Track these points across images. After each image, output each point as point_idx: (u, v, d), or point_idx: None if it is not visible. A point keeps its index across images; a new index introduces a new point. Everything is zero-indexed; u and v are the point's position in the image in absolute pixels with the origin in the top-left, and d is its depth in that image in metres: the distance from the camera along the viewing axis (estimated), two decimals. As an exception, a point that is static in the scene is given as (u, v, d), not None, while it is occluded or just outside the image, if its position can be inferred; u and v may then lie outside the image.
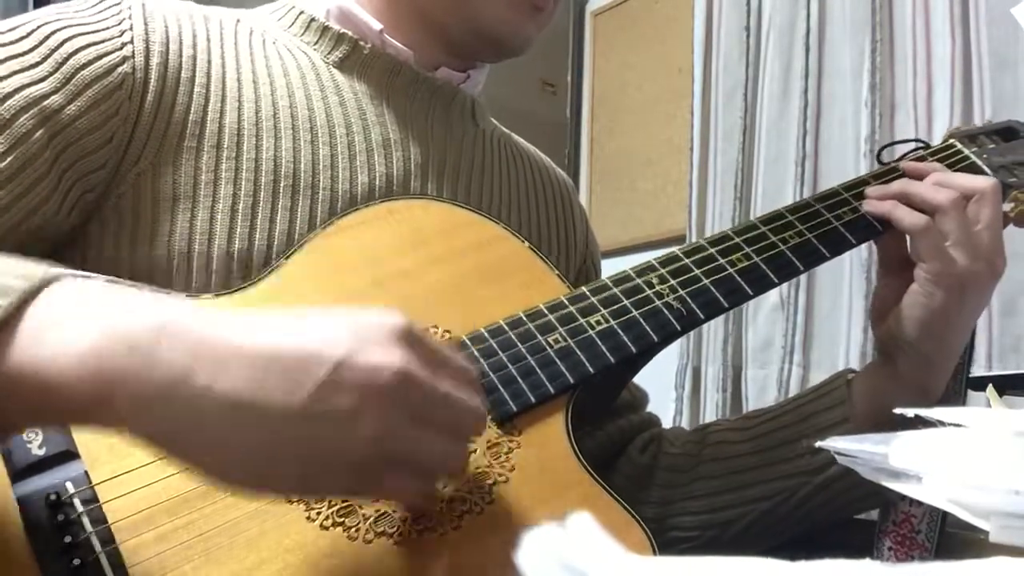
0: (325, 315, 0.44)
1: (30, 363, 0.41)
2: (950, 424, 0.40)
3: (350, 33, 0.74)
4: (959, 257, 0.67)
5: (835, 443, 0.44)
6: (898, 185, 0.72)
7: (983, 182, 0.70)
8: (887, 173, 0.76)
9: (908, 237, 0.70)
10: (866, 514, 0.80)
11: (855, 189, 0.75)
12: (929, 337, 0.69)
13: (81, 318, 0.42)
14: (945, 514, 0.71)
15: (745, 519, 0.75)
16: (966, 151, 0.79)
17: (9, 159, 0.58)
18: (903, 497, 0.72)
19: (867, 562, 0.26)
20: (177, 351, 0.41)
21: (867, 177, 0.76)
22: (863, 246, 1.69)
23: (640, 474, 0.80)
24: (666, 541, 0.76)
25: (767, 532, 0.75)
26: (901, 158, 0.80)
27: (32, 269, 0.45)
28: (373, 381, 0.42)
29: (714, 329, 1.95)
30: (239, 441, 0.41)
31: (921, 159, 0.78)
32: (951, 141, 0.81)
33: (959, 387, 0.75)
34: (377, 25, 0.74)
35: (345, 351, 0.42)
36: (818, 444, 0.45)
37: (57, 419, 0.46)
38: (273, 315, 0.45)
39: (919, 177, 0.73)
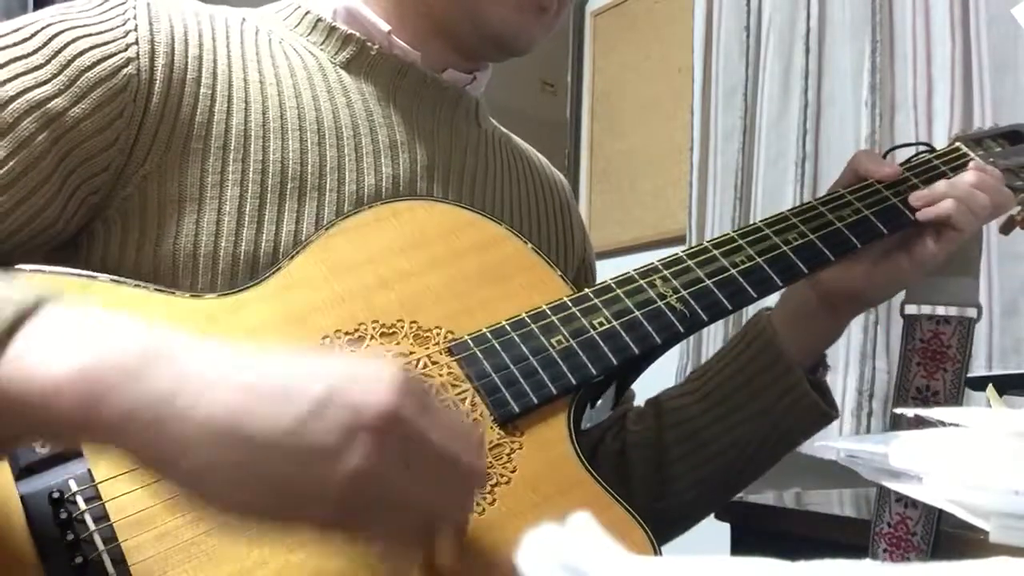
0: (321, 355, 0.44)
1: (19, 383, 0.42)
2: (950, 424, 0.40)
3: (357, 34, 0.74)
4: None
5: (835, 443, 0.44)
6: (960, 190, 0.74)
7: (1008, 200, 0.75)
8: (901, 182, 0.77)
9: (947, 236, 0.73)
10: (865, 513, 0.80)
11: (858, 191, 0.75)
12: (884, 297, 0.78)
13: (71, 341, 0.43)
14: (941, 516, 0.72)
15: (731, 464, 0.79)
16: (971, 155, 0.79)
17: (12, 162, 0.58)
18: (898, 499, 0.73)
19: (867, 562, 0.26)
20: (164, 374, 0.41)
21: (872, 180, 0.76)
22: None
23: (616, 461, 0.82)
24: (672, 507, 0.80)
25: (757, 466, 0.80)
26: (906, 162, 0.80)
27: (24, 292, 0.45)
28: (359, 418, 0.41)
29: (714, 329, 1.95)
30: (220, 464, 0.40)
31: (926, 162, 0.79)
32: (957, 144, 0.81)
33: (958, 385, 0.75)
34: (385, 26, 0.74)
35: (334, 384, 0.41)
36: (818, 444, 0.45)
37: (46, 436, 0.47)
38: (265, 350, 0.44)
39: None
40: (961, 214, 0.72)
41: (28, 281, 0.46)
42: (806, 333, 0.78)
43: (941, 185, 0.74)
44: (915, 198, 0.74)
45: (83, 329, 0.44)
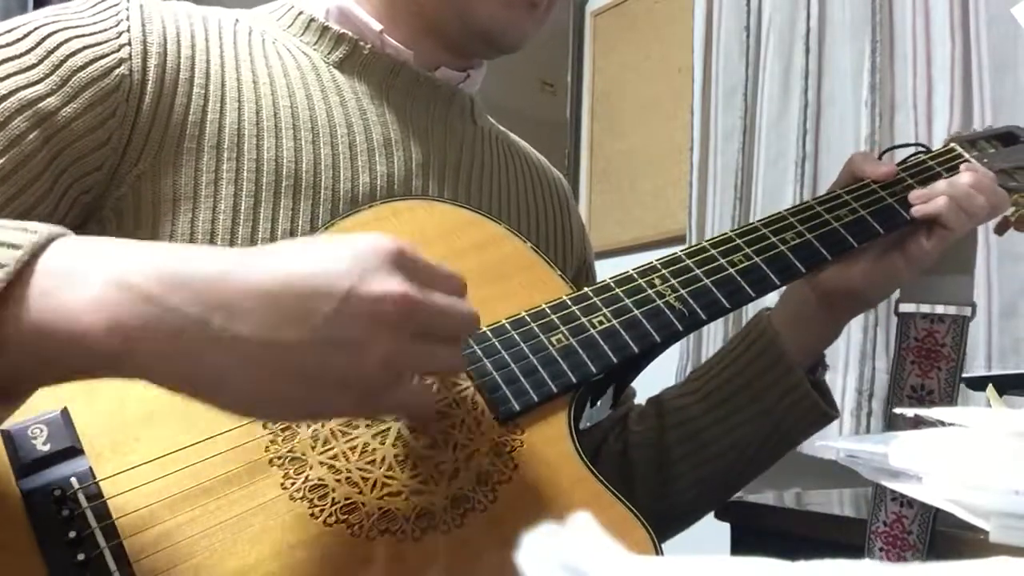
0: (326, 245, 0.46)
1: (49, 319, 0.42)
2: (950, 424, 0.40)
3: (350, 33, 0.74)
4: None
5: (835, 443, 0.44)
6: (959, 189, 0.74)
7: (1003, 201, 0.76)
8: (896, 182, 0.77)
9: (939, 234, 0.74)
10: (865, 513, 0.81)
11: (855, 191, 0.75)
12: (882, 296, 0.79)
13: (92, 271, 0.43)
14: (937, 515, 0.72)
15: (732, 464, 0.79)
16: (966, 155, 0.80)
17: (2, 160, 0.58)
18: (894, 498, 0.73)
19: (867, 562, 0.26)
20: (189, 300, 0.42)
21: (868, 180, 0.76)
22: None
23: (619, 461, 0.82)
24: (675, 504, 0.80)
25: (756, 466, 0.81)
26: (903, 162, 0.80)
27: (36, 225, 0.45)
28: (378, 310, 0.44)
29: (714, 329, 1.95)
30: (257, 377, 0.43)
31: (922, 163, 0.79)
32: (952, 145, 0.82)
33: (953, 384, 0.76)
34: (377, 25, 0.74)
35: (349, 284, 0.44)
36: (819, 444, 0.45)
37: (77, 374, 0.46)
38: (274, 249, 0.46)
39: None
40: (952, 212, 0.72)
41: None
42: (806, 333, 0.78)
43: (940, 185, 0.74)
44: (914, 196, 0.74)
45: (99, 256, 0.44)
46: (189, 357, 0.42)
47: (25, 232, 0.44)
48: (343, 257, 0.45)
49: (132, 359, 0.42)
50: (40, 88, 0.60)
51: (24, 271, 0.43)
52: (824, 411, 0.77)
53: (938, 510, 0.70)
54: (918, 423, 0.64)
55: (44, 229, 0.45)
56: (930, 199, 0.73)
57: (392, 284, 0.45)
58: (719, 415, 0.79)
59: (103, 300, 0.41)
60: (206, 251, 0.45)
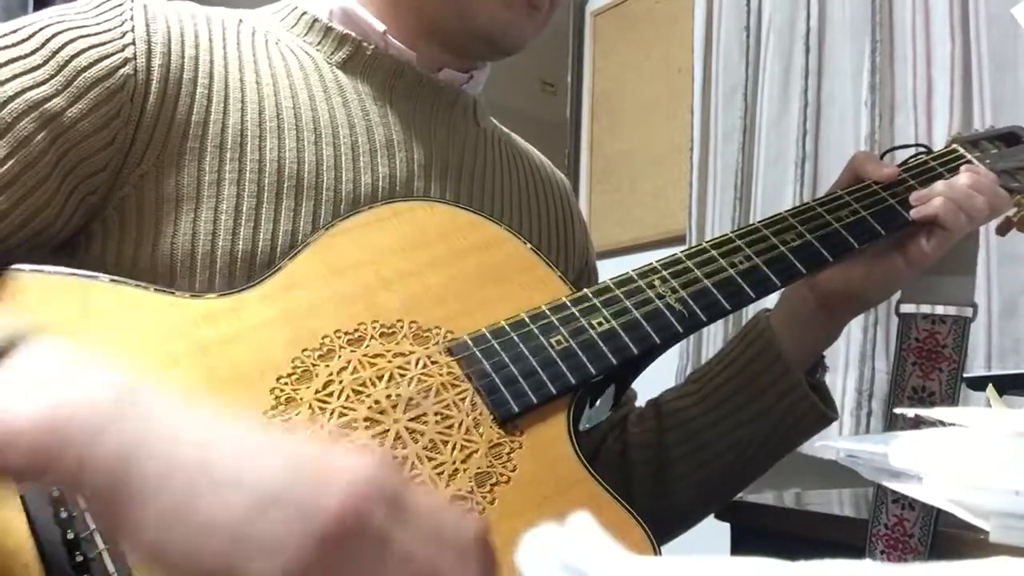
0: (287, 436, 0.41)
1: None
2: (950, 424, 0.40)
3: (353, 34, 0.74)
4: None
5: (835, 443, 0.44)
6: (957, 190, 0.74)
7: (1004, 202, 0.76)
8: (898, 182, 0.77)
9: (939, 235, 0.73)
10: (865, 513, 0.80)
11: (856, 192, 0.75)
12: (882, 297, 0.78)
13: (38, 387, 0.41)
14: (938, 516, 0.72)
15: (731, 466, 0.79)
16: (968, 156, 0.80)
17: (10, 163, 0.58)
18: (895, 500, 0.73)
19: (867, 562, 0.26)
20: (124, 437, 0.39)
21: (869, 181, 0.76)
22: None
23: (617, 462, 0.82)
24: (673, 506, 0.80)
25: (756, 469, 0.80)
26: (904, 163, 0.80)
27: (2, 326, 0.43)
28: (309, 521, 0.36)
29: (714, 329, 1.95)
30: (167, 541, 0.38)
31: (923, 164, 0.79)
32: (954, 146, 0.81)
33: (954, 385, 0.75)
34: (380, 26, 0.74)
35: (290, 476, 0.38)
36: (819, 444, 0.45)
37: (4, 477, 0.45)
38: (227, 416, 0.41)
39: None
40: (950, 213, 0.72)
41: (4, 314, 0.45)
42: (805, 334, 0.78)
43: (939, 186, 0.74)
44: (913, 198, 0.74)
45: (51, 375, 0.42)
46: (106, 495, 0.39)
47: None
48: (301, 451, 0.39)
49: (54, 476, 0.40)
50: (46, 89, 0.60)
51: None
52: (823, 413, 0.77)
53: (940, 512, 0.70)
54: (918, 423, 0.64)
55: (9, 331, 0.43)
56: (929, 200, 0.73)
57: (341, 499, 0.36)
58: (717, 416, 0.78)
59: (36, 417, 0.40)
60: (164, 396, 0.42)
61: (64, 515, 0.48)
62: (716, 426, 0.78)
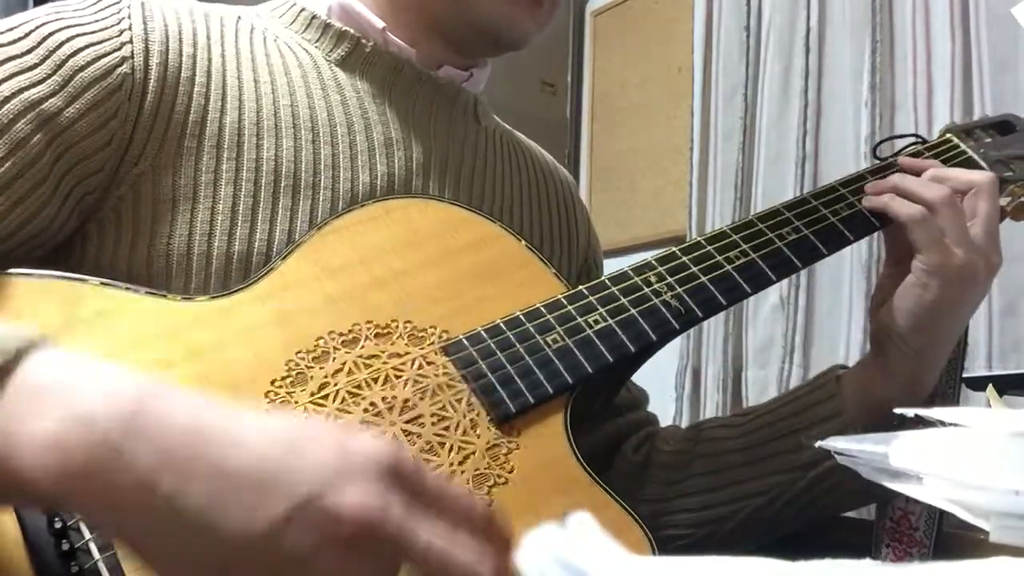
0: (320, 433, 0.40)
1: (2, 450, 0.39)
2: (950, 424, 0.40)
3: (352, 31, 0.74)
4: (956, 250, 0.67)
5: (835, 443, 0.44)
6: (893, 179, 0.73)
7: (980, 176, 0.71)
8: (884, 169, 0.76)
9: (907, 229, 0.70)
10: (865, 513, 0.80)
11: (852, 185, 0.75)
12: (919, 330, 0.69)
13: (51, 403, 0.40)
14: (943, 511, 0.71)
15: (739, 516, 0.75)
16: (962, 146, 0.79)
17: (8, 164, 0.58)
18: (900, 493, 0.72)
19: (867, 562, 0.26)
20: (143, 452, 0.38)
21: (864, 173, 0.76)
22: (863, 246, 1.69)
23: (635, 473, 0.80)
24: (661, 539, 0.75)
25: (761, 528, 0.75)
26: (898, 153, 0.79)
27: (9, 333, 0.42)
28: (335, 528, 0.37)
29: (714, 330, 1.95)
30: (192, 554, 0.39)
31: (918, 154, 0.78)
32: (947, 136, 0.81)
33: (953, 385, 0.75)
34: (379, 23, 0.74)
35: (310, 490, 0.38)
36: (818, 444, 0.45)
37: (26, 504, 0.46)
38: (251, 418, 0.41)
39: (915, 173, 0.73)
40: (896, 202, 0.70)
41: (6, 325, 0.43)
42: (863, 377, 0.73)
43: (891, 179, 0.73)
44: (867, 187, 0.73)
45: (60, 386, 0.40)
46: (128, 512, 0.38)
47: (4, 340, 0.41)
48: (326, 454, 0.39)
49: (70, 501, 0.39)
50: (43, 89, 0.59)
51: None
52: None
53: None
54: (918, 423, 0.63)
55: (13, 343, 0.41)
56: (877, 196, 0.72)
57: (362, 496, 0.38)
58: (754, 455, 0.75)
59: (58, 440, 0.38)
60: (185, 397, 0.41)
61: (59, 526, 0.48)
62: (751, 465, 0.74)
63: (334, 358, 0.58)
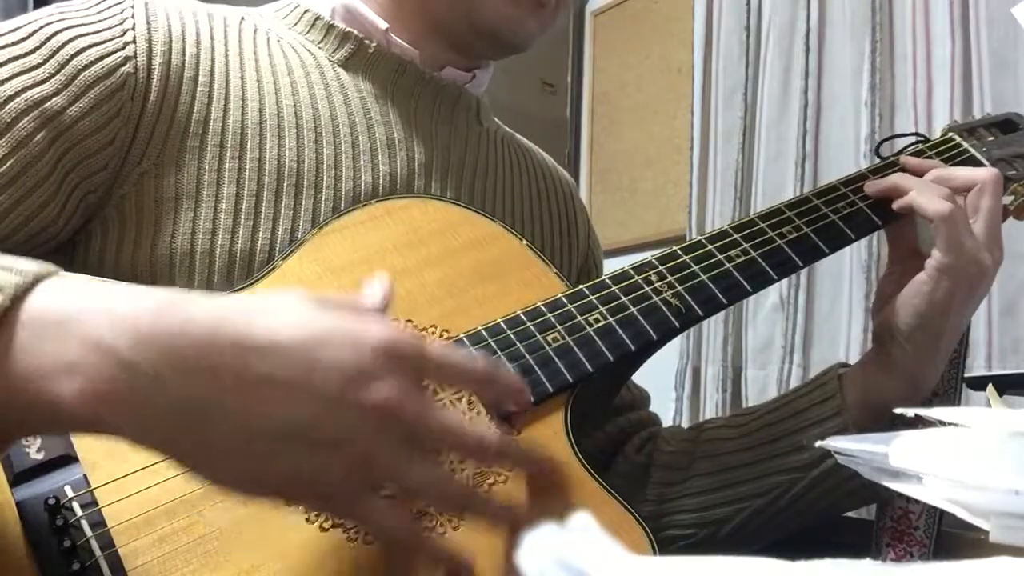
0: (327, 323, 0.42)
1: (22, 377, 0.42)
2: (950, 424, 0.40)
3: (355, 32, 0.74)
4: (969, 249, 0.67)
5: (835, 443, 0.44)
6: (893, 179, 0.72)
7: (983, 172, 0.71)
8: (886, 167, 0.76)
9: (918, 225, 0.70)
10: (865, 513, 0.80)
11: (853, 184, 0.75)
12: (925, 328, 0.69)
13: (71, 326, 0.42)
14: (943, 510, 0.71)
15: (739, 516, 0.75)
16: (965, 144, 0.79)
17: (10, 162, 0.58)
18: (900, 493, 0.72)
19: (867, 562, 0.26)
20: (168, 366, 0.40)
21: (865, 172, 0.76)
22: (863, 246, 1.69)
23: (636, 473, 0.80)
24: (662, 539, 0.76)
25: (762, 529, 0.75)
26: (900, 153, 0.79)
27: (22, 264, 0.45)
28: (365, 418, 0.41)
29: (714, 329, 1.95)
30: (226, 455, 0.41)
31: (920, 153, 0.78)
32: (950, 135, 0.81)
33: (954, 384, 0.75)
34: (383, 24, 0.74)
35: (341, 387, 0.41)
36: (818, 444, 0.45)
37: (51, 431, 0.47)
38: (273, 308, 0.43)
39: (918, 172, 0.73)
40: (924, 196, 0.69)
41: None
42: (865, 374, 0.73)
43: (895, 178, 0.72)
44: (869, 187, 0.73)
45: (83, 308, 0.43)
46: (160, 426, 0.41)
47: (10, 273, 0.44)
48: (342, 350, 0.41)
49: (104, 424, 0.42)
50: (46, 87, 0.60)
51: (5, 318, 0.42)
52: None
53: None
54: (918, 423, 0.63)
55: (31, 269, 0.44)
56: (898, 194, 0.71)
57: (385, 391, 0.41)
58: (756, 454, 0.75)
59: (78, 365, 0.41)
60: (195, 302, 0.43)
61: (60, 523, 0.48)
62: (751, 466, 0.74)
63: None
